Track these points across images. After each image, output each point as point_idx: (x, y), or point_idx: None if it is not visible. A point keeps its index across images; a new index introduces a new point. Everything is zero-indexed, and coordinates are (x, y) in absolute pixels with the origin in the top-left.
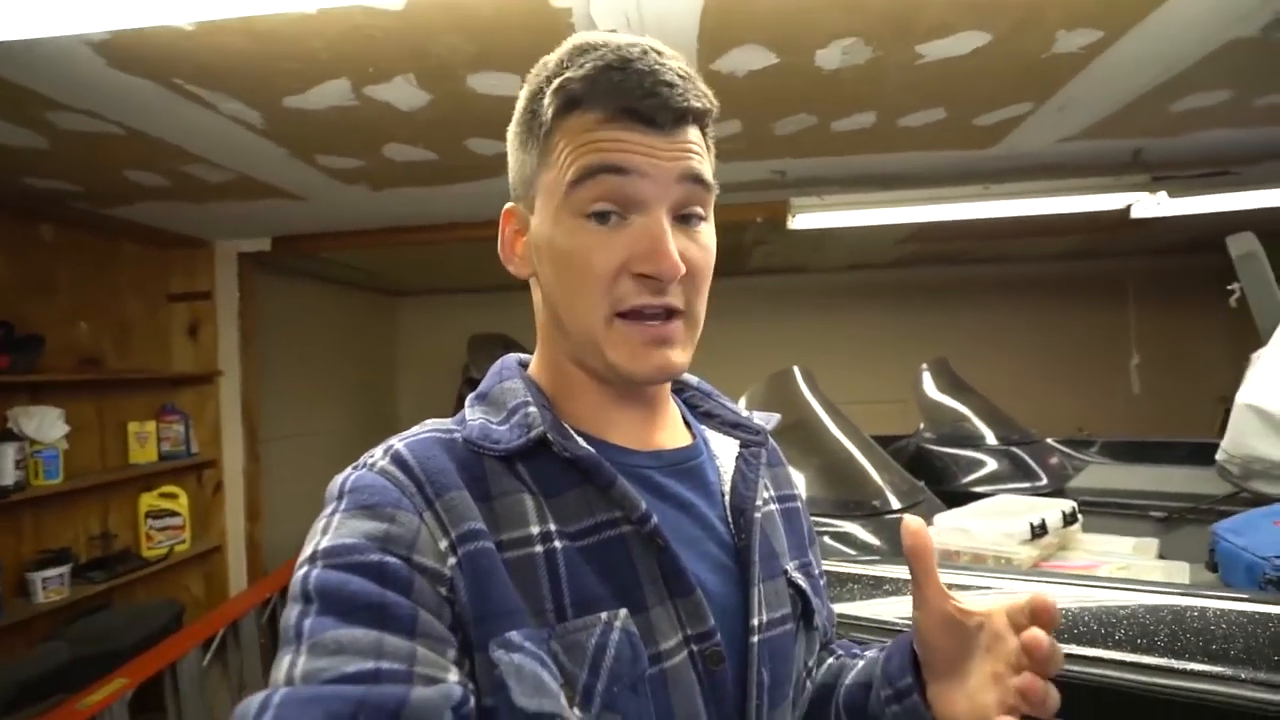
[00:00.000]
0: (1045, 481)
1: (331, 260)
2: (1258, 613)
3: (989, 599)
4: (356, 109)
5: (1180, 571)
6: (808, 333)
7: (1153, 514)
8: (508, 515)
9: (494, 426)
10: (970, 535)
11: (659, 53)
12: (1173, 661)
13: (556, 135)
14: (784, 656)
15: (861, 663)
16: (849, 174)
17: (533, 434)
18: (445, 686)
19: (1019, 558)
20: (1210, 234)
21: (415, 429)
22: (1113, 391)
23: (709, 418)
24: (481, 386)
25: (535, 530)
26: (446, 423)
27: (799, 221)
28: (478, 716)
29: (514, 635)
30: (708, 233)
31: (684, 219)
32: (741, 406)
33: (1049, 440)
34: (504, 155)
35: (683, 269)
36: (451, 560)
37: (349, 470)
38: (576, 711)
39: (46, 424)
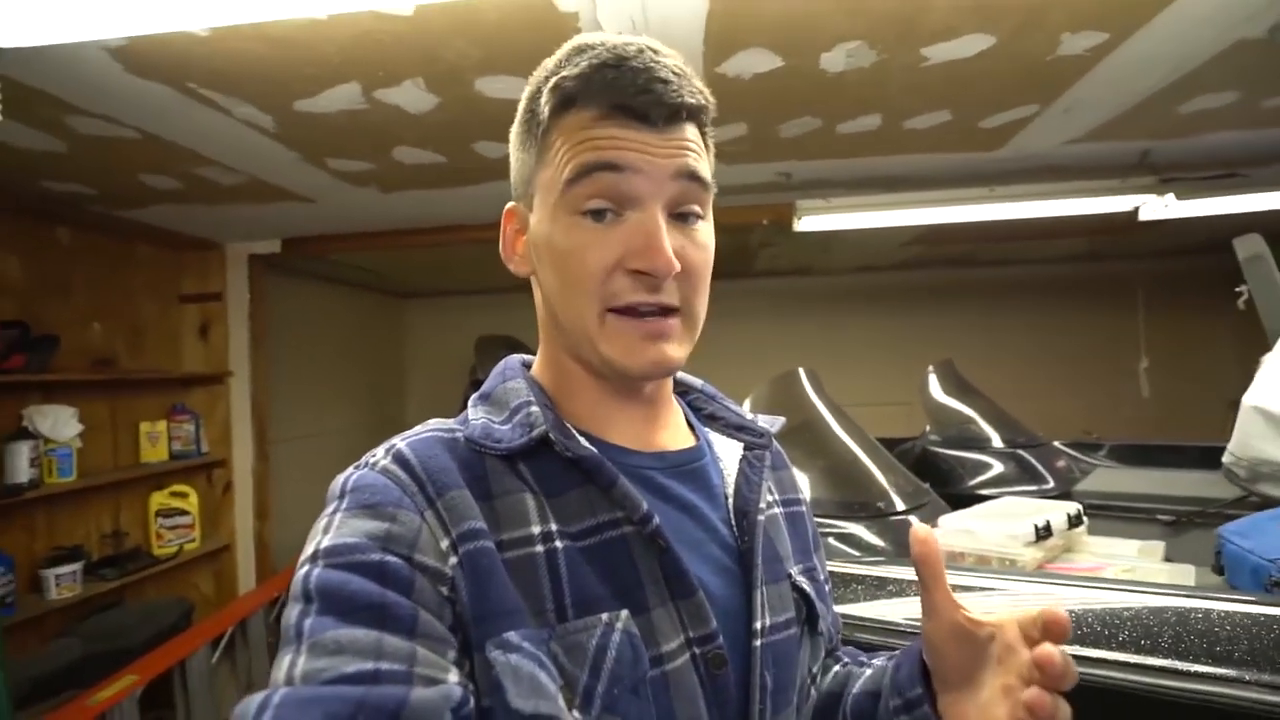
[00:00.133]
0: (1052, 484)
1: (341, 262)
2: (1263, 615)
3: (997, 606)
4: (366, 112)
5: (1186, 574)
6: (813, 335)
7: (1160, 517)
8: (509, 515)
9: (496, 426)
10: (975, 537)
11: (654, 51)
12: (1177, 663)
13: (553, 134)
14: (788, 661)
15: (869, 671)
16: (854, 176)
17: (535, 433)
18: (445, 687)
19: (1023, 559)
20: (1220, 236)
21: (417, 428)
22: (1121, 395)
23: (713, 420)
24: (484, 386)
25: (536, 530)
26: (449, 422)
27: (805, 224)
28: (477, 717)
29: (511, 636)
30: (706, 231)
31: (681, 217)
32: (746, 410)
33: (1056, 443)
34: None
35: (677, 266)
36: (453, 559)
37: (350, 469)
38: (576, 714)
39: (60, 423)
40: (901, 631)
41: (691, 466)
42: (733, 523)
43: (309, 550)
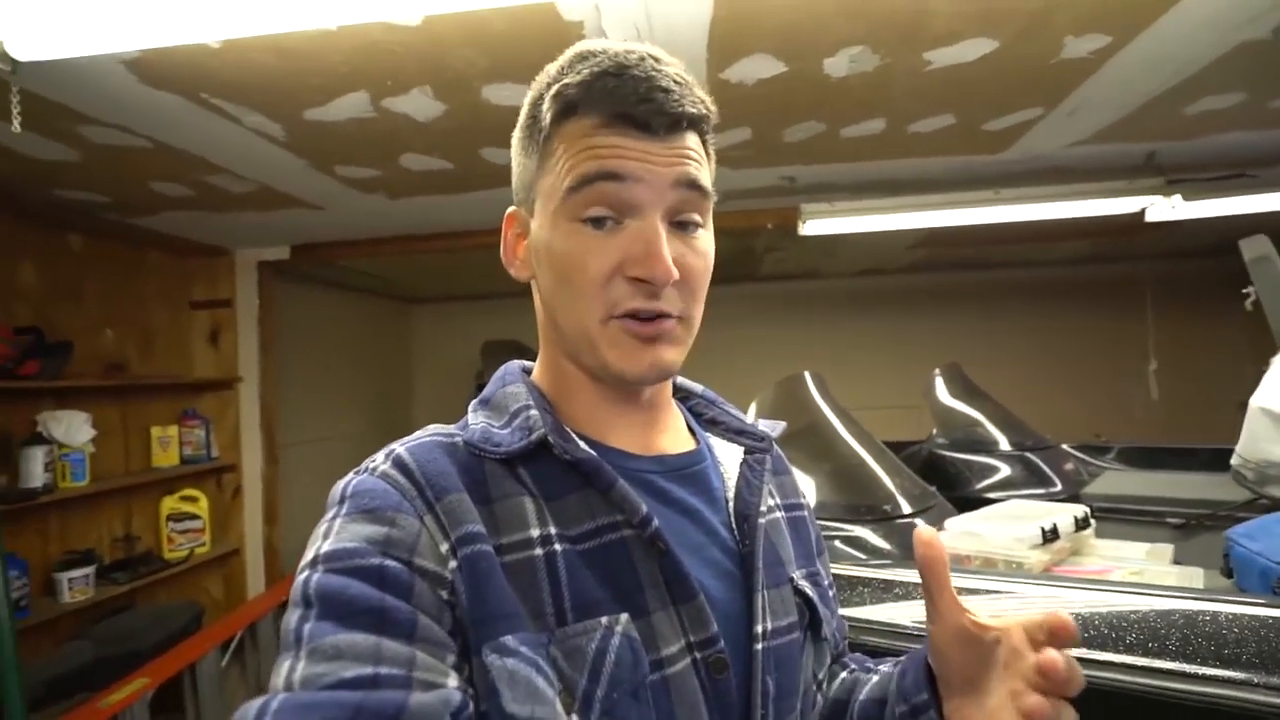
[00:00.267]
0: (1060, 487)
1: (349, 268)
2: (1271, 617)
3: (1004, 609)
4: (375, 120)
5: (1194, 577)
6: (820, 338)
7: (1169, 520)
8: (508, 518)
9: (495, 430)
10: (981, 539)
11: (656, 59)
12: (1184, 666)
13: (554, 140)
14: (790, 666)
15: (876, 678)
16: (859, 180)
17: (534, 436)
18: (444, 692)
19: (1030, 562)
20: (1228, 237)
21: (418, 433)
22: (1130, 397)
23: (713, 425)
24: (485, 391)
25: (535, 533)
26: (449, 427)
27: (810, 228)
28: None
29: (509, 640)
30: (705, 239)
31: (681, 225)
32: (745, 414)
33: (1064, 446)
34: None
35: (676, 274)
36: (452, 563)
37: (350, 475)
38: (575, 718)
39: (74, 428)
40: (908, 635)
41: (692, 470)
42: (733, 526)
43: (309, 555)
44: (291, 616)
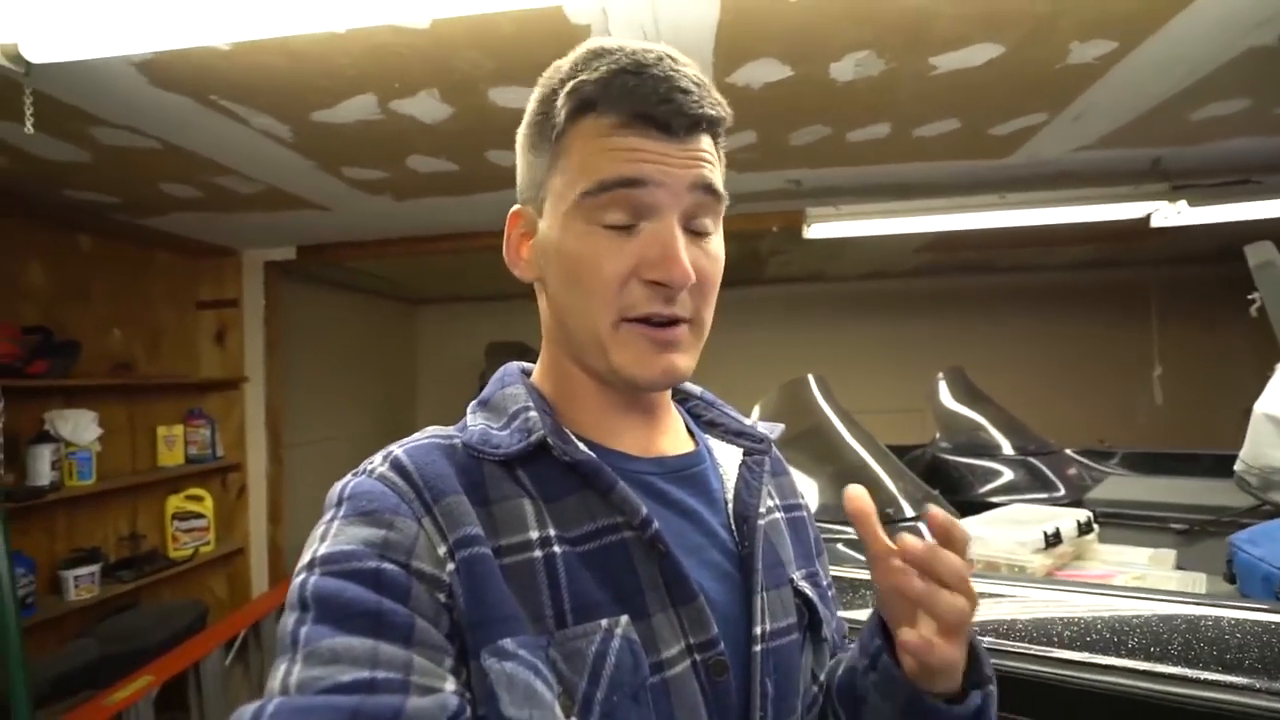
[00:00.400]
0: (1063, 492)
1: (355, 269)
2: (1273, 622)
3: (1006, 613)
4: (382, 122)
5: (1197, 582)
6: (824, 341)
7: (1173, 526)
8: (507, 520)
9: (494, 431)
10: (983, 543)
11: (674, 59)
12: (1187, 670)
13: (569, 138)
14: (789, 667)
15: (852, 649)
16: (864, 184)
17: (533, 438)
18: (441, 696)
19: (1033, 566)
20: (1235, 242)
21: (416, 435)
22: (1135, 402)
23: (712, 426)
24: (484, 393)
25: (534, 535)
26: (447, 429)
27: (815, 231)
28: None
29: (507, 643)
30: (716, 243)
31: (694, 228)
32: (745, 416)
33: (1068, 451)
34: None
35: (693, 277)
36: (450, 566)
37: (348, 476)
38: None
39: (81, 427)
40: None
41: (691, 471)
42: (733, 528)
43: (306, 558)
44: (288, 619)
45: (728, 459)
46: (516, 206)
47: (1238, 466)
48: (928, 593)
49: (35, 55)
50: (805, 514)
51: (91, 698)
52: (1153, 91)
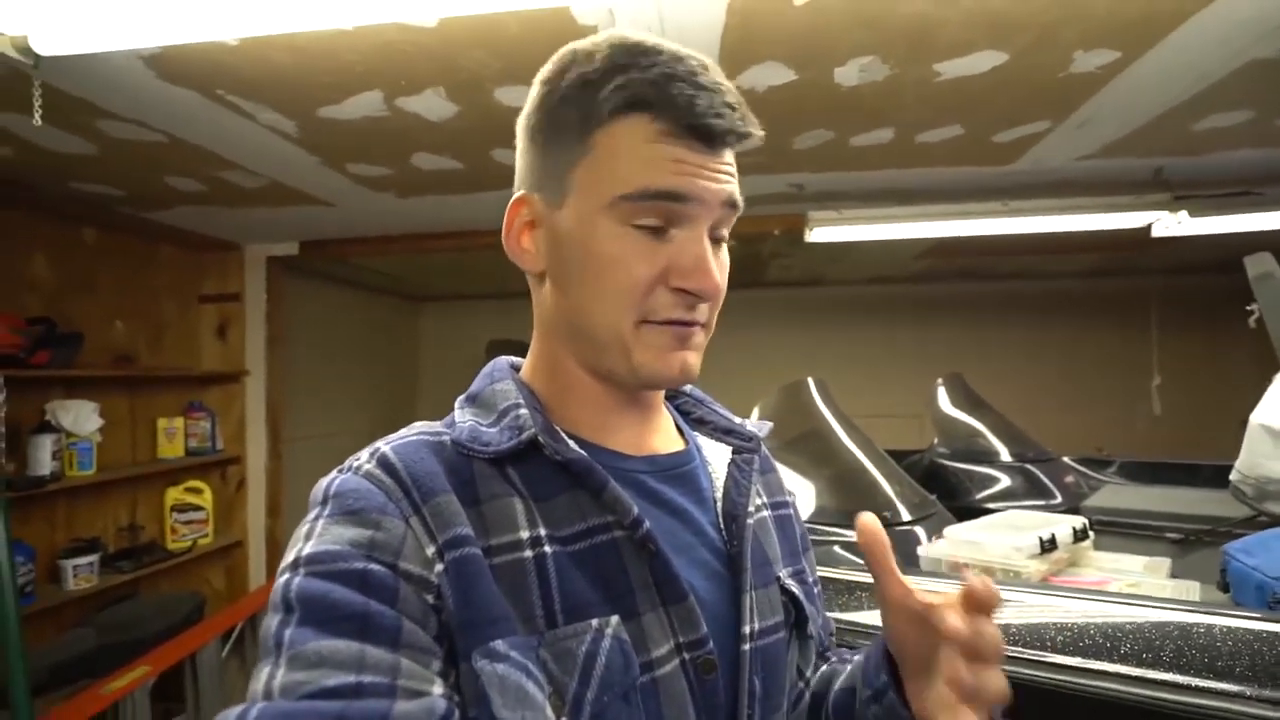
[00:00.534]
0: (1060, 499)
1: (358, 265)
2: (1265, 631)
3: (998, 618)
4: (387, 119)
5: (1191, 590)
6: (824, 345)
7: (1168, 535)
8: (497, 519)
9: (484, 429)
10: (979, 548)
11: (713, 69)
12: (1178, 677)
13: (610, 134)
14: (776, 665)
15: (849, 667)
16: (867, 188)
17: (523, 436)
18: (429, 700)
19: (1028, 571)
20: (1235, 253)
21: (403, 431)
22: (1133, 412)
23: (701, 424)
24: (472, 388)
25: (525, 535)
26: (435, 425)
27: (816, 235)
28: None
29: (499, 644)
30: (725, 252)
31: (714, 236)
32: (733, 414)
33: (1065, 459)
34: None
35: (723, 290)
36: (439, 566)
37: (334, 473)
38: None
39: (82, 417)
40: None
41: (681, 470)
42: (721, 526)
43: (289, 557)
44: (271, 621)
45: (717, 457)
46: (520, 193)
47: (1233, 476)
48: (977, 687)
49: (44, 48)
50: (792, 510)
51: (89, 687)
52: (1155, 102)
